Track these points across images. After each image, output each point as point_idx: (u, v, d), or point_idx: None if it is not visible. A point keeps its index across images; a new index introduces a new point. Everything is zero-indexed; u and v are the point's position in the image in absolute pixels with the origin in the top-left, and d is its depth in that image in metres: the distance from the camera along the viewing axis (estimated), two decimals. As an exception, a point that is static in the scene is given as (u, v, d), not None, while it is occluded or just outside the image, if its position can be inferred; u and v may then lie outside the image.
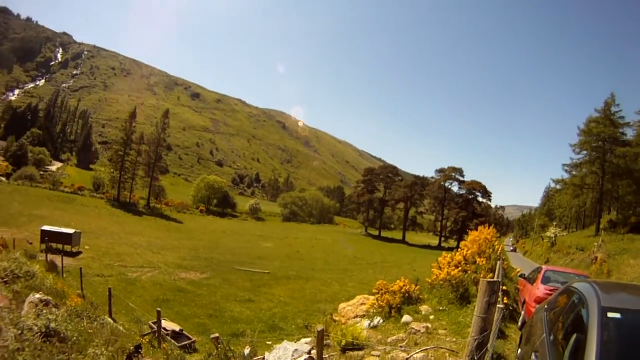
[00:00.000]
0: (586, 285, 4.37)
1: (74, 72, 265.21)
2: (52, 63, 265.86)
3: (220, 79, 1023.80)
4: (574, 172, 63.08)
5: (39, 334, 6.57)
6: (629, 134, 58.06)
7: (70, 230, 33.75)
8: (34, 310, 8.14)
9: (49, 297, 10.13)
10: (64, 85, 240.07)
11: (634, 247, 34.08)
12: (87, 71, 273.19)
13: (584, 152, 59.17)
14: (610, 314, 3.39)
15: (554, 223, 77.73)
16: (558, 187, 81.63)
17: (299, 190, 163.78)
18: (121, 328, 13.88)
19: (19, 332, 6.32)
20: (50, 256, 25.67)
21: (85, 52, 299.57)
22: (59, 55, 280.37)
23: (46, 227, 33.24)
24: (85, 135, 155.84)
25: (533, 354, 4.56)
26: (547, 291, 11.21)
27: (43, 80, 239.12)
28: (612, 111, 56.65)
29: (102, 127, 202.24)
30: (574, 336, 3.59)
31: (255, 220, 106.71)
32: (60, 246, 31.85)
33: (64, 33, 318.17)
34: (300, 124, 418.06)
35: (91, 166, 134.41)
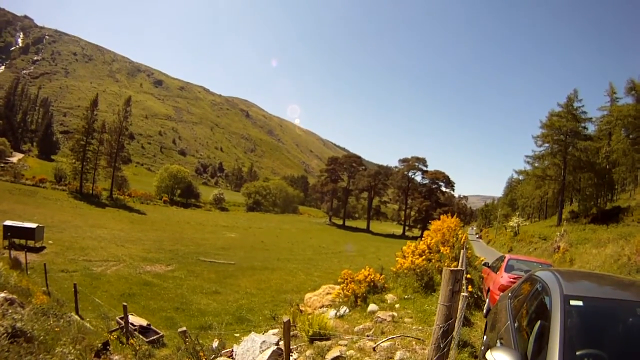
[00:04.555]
0: (549, 273, 4.49)
1: (35, 57, 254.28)
2: (13, 48, 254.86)
3: (184, 65, 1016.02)
4: (536, 164, 64.38)
5: (5, 334, 6.45)
6: (591, 129, 59.65)
7: (33, 225, 32.62)
8: (-1, 310, 7.98)
9: (14, 296, 9.98)
10: (24, 71, 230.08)
11: (596, 237, 34.84)
12: (48, 57, 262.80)
13: (546, 144, 60.39)
14: (572, 302, 3.50)
15: (517, 213, 79.31)
16: (520, 177, 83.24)
17: (262, 180, 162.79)
18: (88, 325, 13.76)
19: (-15, 333, 6.21)
20: (13, 253, 25.01)
21: (47, 37, 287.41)
22: (19, 40, 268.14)
23: (8, 223, 31.92)
24: (47, 124, 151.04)
25: (498, 340, 4.67)
26: (511, 279, 11.50)
27: (3, 67, 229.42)
28: (574, 106, 57.96)
29: (63, 115, 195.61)
30: (538, 323, 3.71)
31: (220, 211, 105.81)
32: (23, 242, 30.87)
33: (25, 16, 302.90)
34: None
35: (52, 157, 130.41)
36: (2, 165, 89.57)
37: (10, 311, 7.85)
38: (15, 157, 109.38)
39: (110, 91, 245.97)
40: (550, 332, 3.17)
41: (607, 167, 55.52)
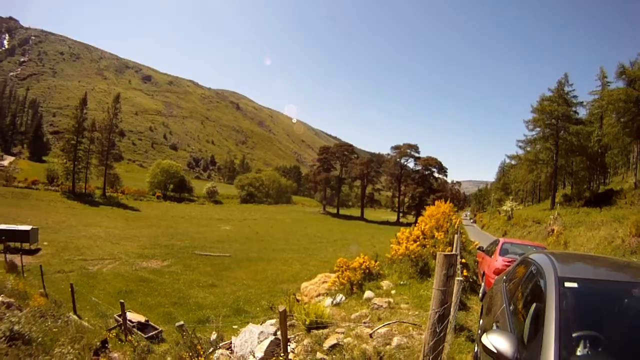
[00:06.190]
0: (543, 256, 4.47)
1: (22, 59, 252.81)
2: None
3: (172, 60, 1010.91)
4: (528, 148, 64.63)
5: (3, 338, 6.45)
6: (582, 113, 59.89)
7: (27, 227, 32.69)
8: (-3, 314, 7.98)
9: (12, 300, 9.99)
10: (11, 73, 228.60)
11: (589, 220, 34.90)
12: (35, 58, 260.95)
13: (538, 129, 60.63)
14: (567, 284, 3.49)
15: (510, 197, 79.62)
16: (513, 162, 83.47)
17: (255, 171, 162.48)
18: (87, 324, 13.73)
19: (-17, 338, 6.21)
20: (9, 256, 24.95)
21: (33, 38, 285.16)
22: (5, 42, 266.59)
23: (2, 226, 31.96)
24: (36, 125, 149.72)
25: (494, 324, 4.68)
26: (506, 263, 11.53)
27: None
28: (565, 90, 58.27)
29: (52, 116, 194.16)
30: (534, 306, 3.70)
31: (213, 204, 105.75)
32: (18, 245, 30.85)
33: (10, 18, 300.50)
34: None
35: (44, 158, 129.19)
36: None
37: (7, 314, 7.85)
38: (6, 160, 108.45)
39: (99, 89, 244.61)
40: (545, 315, 3.16)
41: (599, 150, 55.93)
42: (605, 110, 51.95)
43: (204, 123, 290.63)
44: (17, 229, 32.13)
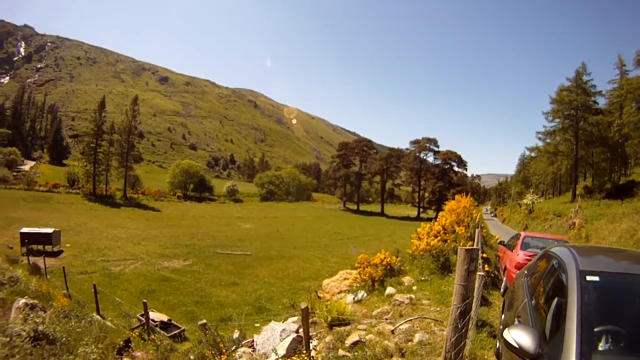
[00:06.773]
0: (564, 250, 4.43)
1: (39, 65, 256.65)
2: (16, 58, 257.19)
3: (188, 60, 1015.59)
4: (548, 140, 63.76)
5: (28, 338, 6.55)
6: (602, 102, 58.89)
7: (50, 230, 33.10)
8: (21, 315, 8.11)
9: (35, 301, 10.10)
10: (29, 80, 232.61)
11: (611, 212, 34.57)
12: (52, 63, 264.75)
13: (557, 120, 59.85)
14: (589, 277, 3.45)
15: (531, 190, 78.50)
16: (533, 154, 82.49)
17: (275, 169, 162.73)
18: (110, 324, 13.86)
19: (8, 339, 6.31)
20: (32, 258, 25.27)
21: (49, 44, 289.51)
22: (21, 50, 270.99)
23: (25, 229, 32.45)
24: (55, 130, 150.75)
25: (516, 318, 4.64)
26: (527, 257, 11.40)
27: (7, 78, 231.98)
28: (583, 80, 57.26)
29: (71, 120, 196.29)
30: (555, 300, 3.68)
31: (234, 202, 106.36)
32: (41, 247, 31.23)
33: (26, 26, 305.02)
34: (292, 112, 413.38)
35: (64, 161, 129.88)
36: (15, 173, 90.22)
37: (31, 315, 7.97)
38: (27, 165, 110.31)
39: (116, 92, 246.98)
40: (567, 309, 3.14)
41: (620, 141, 54.96)
42: (625, 99, 51.25)
43: (222, 122, 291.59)
44: (39, 231, 32.52)
